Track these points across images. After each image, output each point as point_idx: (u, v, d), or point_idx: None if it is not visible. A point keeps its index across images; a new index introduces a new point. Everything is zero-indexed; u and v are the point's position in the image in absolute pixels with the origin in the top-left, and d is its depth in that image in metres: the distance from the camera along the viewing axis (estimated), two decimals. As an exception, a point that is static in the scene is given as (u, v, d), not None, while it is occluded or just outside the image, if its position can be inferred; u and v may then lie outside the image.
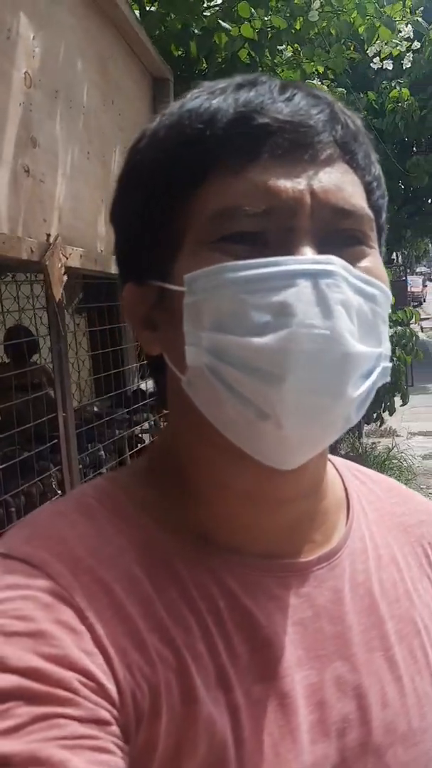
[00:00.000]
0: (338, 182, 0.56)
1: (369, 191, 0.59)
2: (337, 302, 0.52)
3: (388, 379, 0.58)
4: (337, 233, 0.55)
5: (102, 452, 3.32)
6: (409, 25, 3.54)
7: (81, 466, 2.79)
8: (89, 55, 2.68)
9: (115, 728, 0.48)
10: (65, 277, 2.22)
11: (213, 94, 0.57)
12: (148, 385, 3.70)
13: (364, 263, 0.56)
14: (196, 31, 3.63)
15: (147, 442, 3.82)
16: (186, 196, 0.56)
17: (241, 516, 0.60)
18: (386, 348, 0.58)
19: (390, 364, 0.58)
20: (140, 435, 3.93)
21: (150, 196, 0.59)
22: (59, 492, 2.76)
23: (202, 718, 0.52)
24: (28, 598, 0.51)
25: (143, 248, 0.60)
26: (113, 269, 2.56)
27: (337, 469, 0.70)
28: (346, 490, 0.69)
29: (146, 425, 3.98)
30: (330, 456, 0.67)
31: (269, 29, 3.86)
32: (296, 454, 0.55)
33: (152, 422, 3.98)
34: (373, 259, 0.57)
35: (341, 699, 0.58)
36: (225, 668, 0.55)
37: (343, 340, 0.52)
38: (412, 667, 0.63)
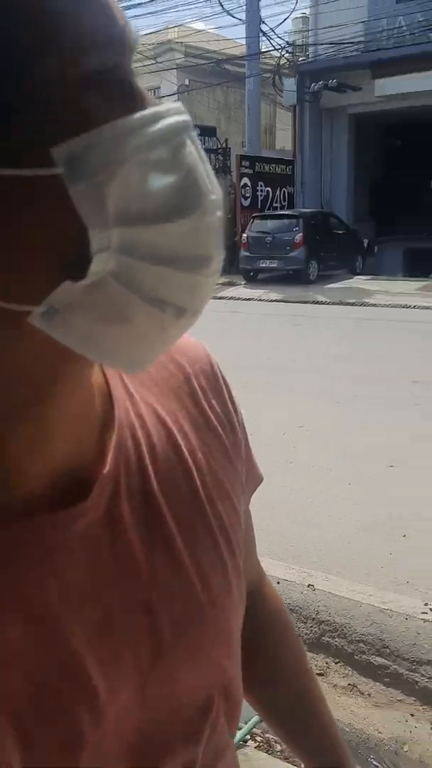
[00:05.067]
0: None
1: None
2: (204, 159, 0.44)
3: None
4: None
5: None
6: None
7: None
8: None
9: None
10: None
11: None
12: None
13: None
14: None
15: None
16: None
17: (21, 464, 0.49)
18: None
19: None
20: None
21: None
22: None
23: None
24: None
25: None
26: None
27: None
28: (109, 391, 0.57)
29: None
30: None
31: None
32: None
33: None
34: None
35: (131, 621, 0.53)
36: None
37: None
38: (195, 549, 0.58)
